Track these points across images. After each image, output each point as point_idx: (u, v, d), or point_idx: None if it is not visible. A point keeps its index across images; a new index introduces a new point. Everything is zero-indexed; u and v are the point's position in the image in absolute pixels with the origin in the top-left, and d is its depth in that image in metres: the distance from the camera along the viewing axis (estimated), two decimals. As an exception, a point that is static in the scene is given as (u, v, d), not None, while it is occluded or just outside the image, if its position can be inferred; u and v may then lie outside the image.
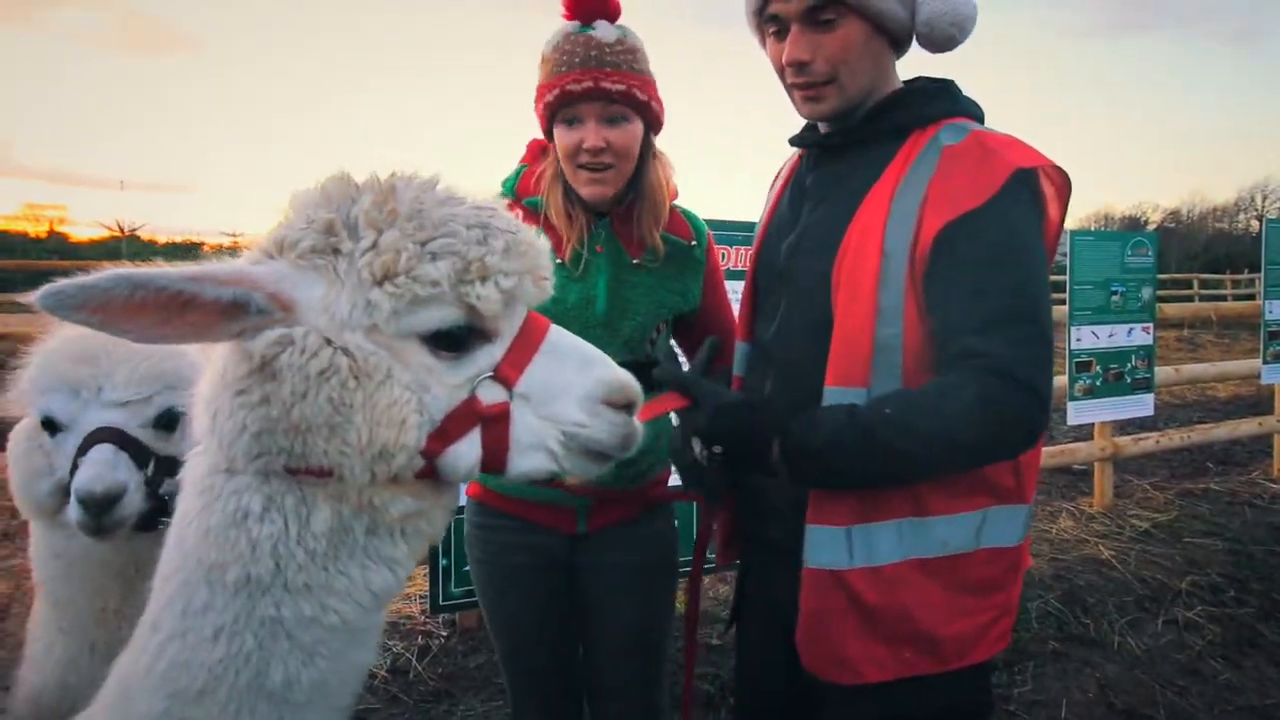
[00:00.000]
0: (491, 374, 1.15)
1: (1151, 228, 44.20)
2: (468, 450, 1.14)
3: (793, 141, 1.91)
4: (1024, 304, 1.50)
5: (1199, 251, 38.15)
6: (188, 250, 25.17)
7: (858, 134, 1.72)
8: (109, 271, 1.00)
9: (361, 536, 1.17)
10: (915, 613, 1.57)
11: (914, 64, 1.79)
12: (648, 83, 2.04)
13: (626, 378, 1.21)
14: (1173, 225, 48.63)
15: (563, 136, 2.02)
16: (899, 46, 1.73)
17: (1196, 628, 4.44)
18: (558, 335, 1.22)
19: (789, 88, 1.74)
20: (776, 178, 2.07)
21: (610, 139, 1.98)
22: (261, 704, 1.17)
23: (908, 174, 1.59)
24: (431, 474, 1.16)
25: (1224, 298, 27.83)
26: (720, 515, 1.95)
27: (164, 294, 1.04)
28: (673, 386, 1.65)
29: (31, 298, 0.97)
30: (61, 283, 0.97)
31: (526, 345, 1.18)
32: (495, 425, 1.15)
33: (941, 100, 1.71)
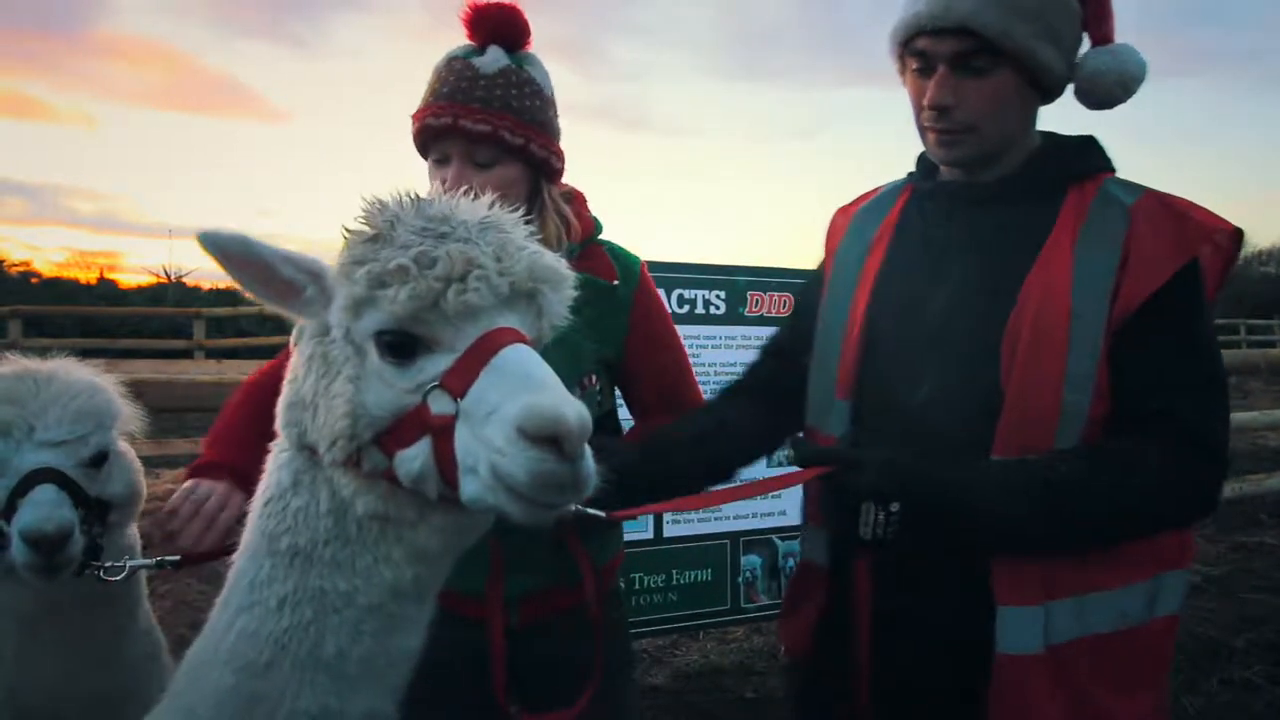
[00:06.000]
0: (438, 384, 1.14)
1: (1194, 272, 43.24)
2: (414, 456, 1.15)
3: (925, 189, 1.75)
4: (1217, 371, 1.52)
5: (1245, 296, 37.28)
6: (231, 296, 25.77)
7: (1013, 186, 1.63)
8: (240, 236, 1.22)
9: (353, 528, 1.25)
10: (1098, 694, 1.50)
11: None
12: (526, 125, 1.77)
13: (555, 408, 1.04)
14: (1216, 270, 47.57)
15: (431, 175, 1.83)
16: (1049, 96, 1.64)
17: (1255, 688, 4.25)
18: (512, 353, 1.14)
19: (923, 129, 1.65)
20: (836, 227, 1.90)
21: (476, 185, 1.70)
22: (321, 675, 1.24)
23: (1086, 230, 1.52)
24: (393, 477, 1.20)
25: (1273, 343, 27.11)
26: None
27: (258, 260, 1.23)
28: (814, 460, 1.53)
29: (198, 232, 1.20)
30: (218, 232, 1.22)
31: (475, 359, 1.14)
32: (443, 438, 1.13)
33: (1093, 155, 1.65)
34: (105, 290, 25.70)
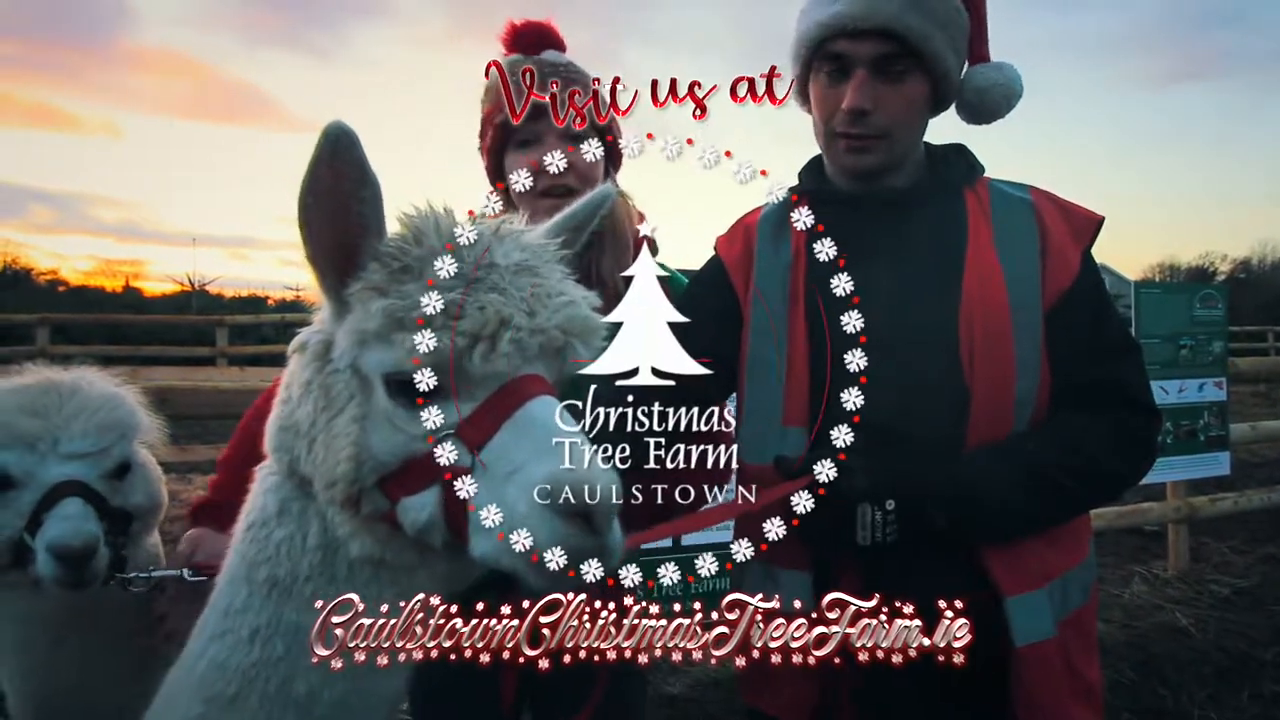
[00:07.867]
0: (453, 433, 1.06)
1: (1220, 279, 42.82)
2: (419, 505, 1.08)
3: (840, 199, 1.67)
4: (1133, 339, 1.65)
5: (1273, 302, 36.71)
6: (254, 304, 26.04)
7: (924, 191, 1.66)
8: (372, 175, 1.08)
9: (343, 568, 1.18)
10: (1084, 669, 1.57)
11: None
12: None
13: (585, 480, 0.97)
14: (1243, 276, 46.98)
15: (517, 161, 1.83)
16: (937, 109, 1.69)
17: (1286, 703, 4.17)
18: (538, 407, 1.06)
19: (834, 135, 1.61)
20: (733, 234, 1.78)
21: (574, 162, 1.73)
22: (289, 714, 1.19)
23: (999, 228, 1.59)
24: (394, 521, 1.12)
25: (1302, 351, 26.62)
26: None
27: (366, 205, 1.09)
28: (804, 470, 1.44)
29: (330, 123, 1.04)
30: (348, 127, 1.05)
31: (497, 410, 1.05)
32: (454, 490, 1.05)
33: (974, 160, 1.72)
34: (130, 298, 26.02)
